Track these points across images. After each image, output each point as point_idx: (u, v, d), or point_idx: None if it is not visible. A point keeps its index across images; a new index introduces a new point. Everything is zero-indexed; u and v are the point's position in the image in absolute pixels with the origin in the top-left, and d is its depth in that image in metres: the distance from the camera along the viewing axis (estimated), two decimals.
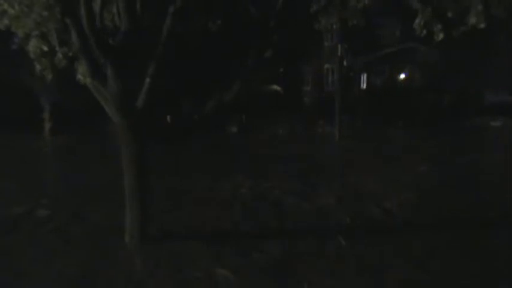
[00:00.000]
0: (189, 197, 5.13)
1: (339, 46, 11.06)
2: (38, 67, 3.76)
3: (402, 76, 14.91)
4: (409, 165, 6.81)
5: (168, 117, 12.67)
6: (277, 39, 3.84)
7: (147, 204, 3.60)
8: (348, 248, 3.44)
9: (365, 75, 15.45)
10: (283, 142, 10.30)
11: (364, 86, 15.50)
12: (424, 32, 3.12)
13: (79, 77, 3.87)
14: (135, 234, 3.54)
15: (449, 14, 3.00)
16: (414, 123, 10.85)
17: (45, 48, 3.62)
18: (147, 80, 3.46)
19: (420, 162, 6.98)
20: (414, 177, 5.99)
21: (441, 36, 3.06)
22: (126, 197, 3.57)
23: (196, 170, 6.84)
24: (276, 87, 15.79)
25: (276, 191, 5.29)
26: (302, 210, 4.53)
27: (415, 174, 6.18)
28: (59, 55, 3.64)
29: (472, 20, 2.82)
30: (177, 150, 9.08)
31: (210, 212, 4.47)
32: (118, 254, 3.36)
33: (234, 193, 5.28)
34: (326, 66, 16.68)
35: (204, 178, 6.14)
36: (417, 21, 3.10)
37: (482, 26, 2.84)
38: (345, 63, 14.35)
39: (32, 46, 3.58)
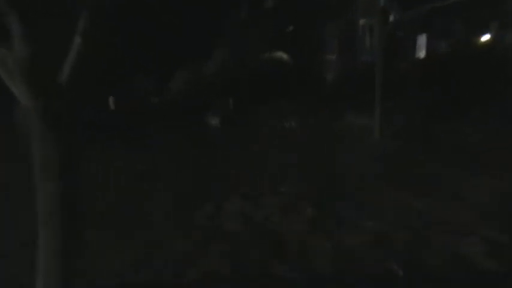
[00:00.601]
0: (142, 230, 5.16)
1: None
2: None
3: (485, 37, 14.89)
4: (496, 178, 6.81)
5: (111, 100, 12.58)
6: None
7: (74, 244, 3.56)
8: None
9: (423, 37, 15.47)
10: (290, 141, 10.31)
11: (421, 53, 15.51)
12: None
13: None
14: None
15: None
16: (505, 111, 10.77)
17: None
18: (78, 39, 3.42)
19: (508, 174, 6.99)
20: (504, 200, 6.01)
21: None
22: (38, 233, 3.51)
23: (152, 185, 6.86)
24: (282, 55, 15.76)
25: (280, 221, 5.36)
26: (322, 251, 4.55)
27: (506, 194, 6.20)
28: None
29: None
30: (125, 152, 9.09)
31: (174, 257, 4.48)
32: None
33: (209, 221, 5.36)
34: (362, 22, 16.74)
35: (163, 198, 6.19)
36: None
37: None
38: (390, 17, 14.36)
39: None
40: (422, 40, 15.49)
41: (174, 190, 6.71)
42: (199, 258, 4.52)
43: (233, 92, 12.78)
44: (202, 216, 5.67)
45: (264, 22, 13.81)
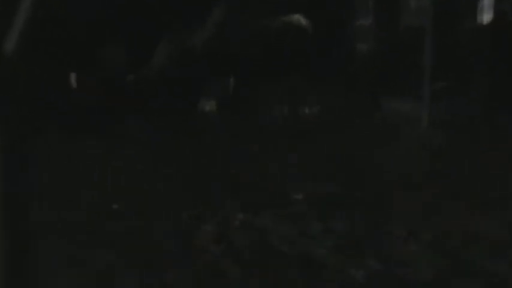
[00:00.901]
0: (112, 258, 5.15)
1: None
2: None
3: None
4: None
5: (74, 79, 12.63)
6: None
7: (21, 248, 3.55)
8: None
9: None
10: (312, 134, 10.32)
11: (485, 16, 15.48)
12: None
13: None
14: None
15: None
16: None
17: None
18: None
19: None
20: None
21: None
22: None
23: (121, 188, 6.88)
24: (300, 20, 15.72)
25: (297, 244, 5.37)
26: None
27: None
28: None
29: None
30: (90, 143, 9.06)
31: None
32: None
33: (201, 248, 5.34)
34: None
35: (135, 206, 6.22)
36: None
37: None
38: None
39: None
40: (486, 2, 15.44)
41: (150, 196, 6.75)
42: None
43: (234, 68, 12.74)
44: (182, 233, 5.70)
45: None
